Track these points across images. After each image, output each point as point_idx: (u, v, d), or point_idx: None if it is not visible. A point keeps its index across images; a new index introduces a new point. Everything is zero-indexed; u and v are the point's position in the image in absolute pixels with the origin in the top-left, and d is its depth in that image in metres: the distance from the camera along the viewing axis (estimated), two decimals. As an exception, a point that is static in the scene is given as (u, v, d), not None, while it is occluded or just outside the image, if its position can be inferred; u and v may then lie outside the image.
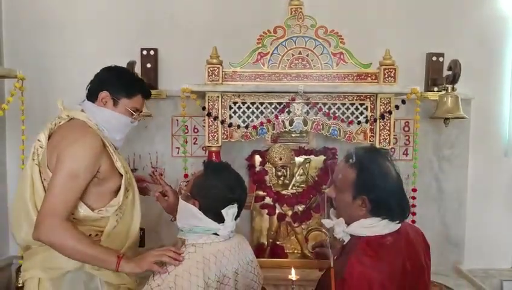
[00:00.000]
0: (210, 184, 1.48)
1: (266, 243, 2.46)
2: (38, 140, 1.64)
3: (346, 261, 1.34)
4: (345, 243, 1.47)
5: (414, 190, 2.22)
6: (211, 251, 1.44)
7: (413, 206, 2.22)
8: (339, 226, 1.45)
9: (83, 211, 1.61)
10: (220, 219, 1.46)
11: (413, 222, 2.23)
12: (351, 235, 1.44)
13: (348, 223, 1.44)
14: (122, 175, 1.69)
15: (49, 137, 1.64)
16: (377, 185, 1.38)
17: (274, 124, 2.07)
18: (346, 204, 1.44)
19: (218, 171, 1.53)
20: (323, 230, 2.46)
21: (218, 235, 1.47)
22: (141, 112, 1.80)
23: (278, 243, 2.47)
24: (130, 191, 1.75)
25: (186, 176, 2.23)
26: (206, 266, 1.40)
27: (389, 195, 1.39)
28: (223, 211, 1.45)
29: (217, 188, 1.47)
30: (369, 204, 1.39)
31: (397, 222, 1.41)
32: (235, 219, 1.50)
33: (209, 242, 1.45)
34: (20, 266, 1.98)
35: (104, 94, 1.69)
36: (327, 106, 2.06)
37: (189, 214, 1.47)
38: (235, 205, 1.47)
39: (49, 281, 1.60)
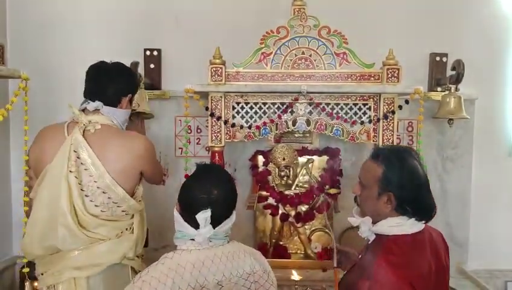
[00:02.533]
0: (187, 185, 1.44)
1: (269, 243, 2.46)
2: (75, 151, 1.62)
3: (374, 261, 1.35)
4: (369, 242, 1.47)
5: (417, 190, 2.20)
6: (189, 258, 1.34)
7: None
8: (365, 224, 1.45)
9: (133, 204, 1.72)
10: (197, 224, 1.36)
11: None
12: (376, 234, 1.44)
13: (373, 222, 1.44)
14: None
15: (90, 145, 1.66)
16: (402, 182, 1.38)
17: (277, 124, 2.07)
18: (371, 201, 1.44)
19: (198, 171, 1.47)
20: (327, 230, 2.46)
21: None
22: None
23: (281, 243, 2.47)
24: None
25: (187, 176, 2.22)
26: (179, 274, 1.30)
27: (415, 193, 1.39)
28: (197, 216, 1.35)
29: (191, 189, 1.40)
30: (394, 201, 1.39)
31: (423, 221, 1.42)
32: (217, 225, 1.37)
33: (190, 249, 1.37)
34: (22, 267, 1.98)
35: (128, 97, 1.80)
36: (330, 106, 2.06)
37: (175, 219, 1.43)
38: (208, 211, 1.35)
39: (84, 279, 1.64)
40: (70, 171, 1.61)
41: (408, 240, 1.38)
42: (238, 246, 1.45)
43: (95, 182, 1.63)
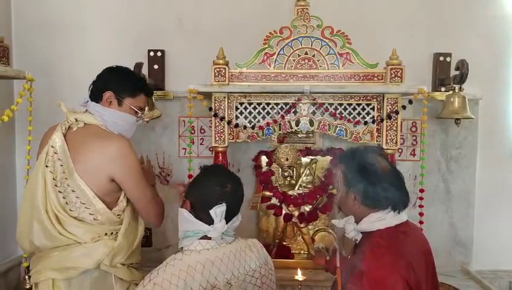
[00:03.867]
0: (199, 182, 1.48)
1: (273, 243, 2.46)
2: (52, 146, 1.65)
3: (362, 257, 1.37)
4: (357, 242, 1.51)
5: (422, 191, 2.20)
6: (199, 259, 1.36)
7: (421, 207, 2.21)
8: (349, 224, 1.49)
9: (105, 212, 1.66)
10: (210, 220, 1.39)
11: (421, 223, 2.22)
12: (362, 232, 1.48)
13: (356, 222, 1.48)
14: None
15: (66, 142, 1.67)
16: (359, 176, 1.44)
17: (280, 124, 2.07)
18: (343, 202, 1.51)
19: (208, 169, 1.52)
20: (330, 231, 2.46)
21: (209, 240, 1.40)
22: (144, 110, 1.85)
23: (284, 243, 2.47)
24: None
25: (190, 176, 2.23)
26: (190, 275, 1.31)
27: (376, 185, 1.43)
28: (211, 211, 1.38)
29: (205, 184, 1.45)
30: (359, 197, 1.44)
31: (400, 211, 1.46)
32: (228, 221, 1.41)
33: (199, 249, 1.38)
34: (27, 267, 2.00)
35: (108, 94, 1.73)
36: (333, 106, 2.06)
37: (182, 218, 1.45)
38: (223, 205, 1.39)
39: (63, 281, 1.63)
40: (46, 166, 1.64)
41: (392, 232, 1.42)
42: (243, 242, 1.49)
43: (66, 179, 1.63)
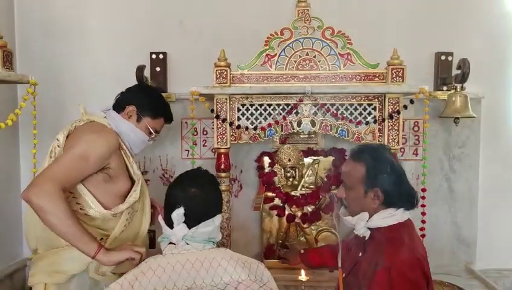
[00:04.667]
0: (168, 186, 1.46)
1: (276, 244, 2.46)
2: (57, 139, 1.69)
3: (382, 251, 1.41)
4: (366, 239, 1.52)
5: (424, 190, 2.20)
6: (161, 262, 1.33)
7: (423, 206, 2.21)
8: (361, 220, 1.49)
9: (95, 207, 1.62)
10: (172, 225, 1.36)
11: (424, 222, 2.22)
12: (370, 229, 1.49)
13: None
14: (131, 178, 1.75)
15: (68, 137, 1.68)
16: (386, 176, 1.45)
17: (282, 125, 2.08)
18: (358, 200, 1.50)
19: (181, 174, 1.48)
20: (333, 231, 2.46)
21: (174, 244, 1.36)
22: (158, 133, 1.88)
23: (287, 244, 2.47)
24: (141, 197, 1.78)
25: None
26: (146, 277, 1.30)
27: (398, 185, 1.47)
28: (172, 215, 1.35)
29: (170, 188, 1.43)
30: (381, 195, 1.46)
31: (409, 210, 1.49)
32: (193, 226, 1.34)
33: (165, 253, 1.36)
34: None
35: (131, 108, 1.78)
36: (335, 107, 2.06)
37: (161, 224, 1.45)
38: (181, 208, 1.33)
39: (54, 286, 1.62)
40: (50, 156, 1.66)
41: (402, 227, 1.46)
42: (224, 253, 1.37)
43: None
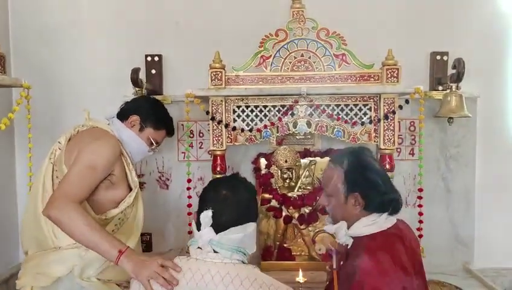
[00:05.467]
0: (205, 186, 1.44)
1: (273, 245, 2.46)
2: (59, 142, 1.71)
3: (358, 265, 1.33)
4: (348, 247, 1.46)
5: (420, 190, 2.20)
6: (181, 264, 1.31)
7: (420, 206, 2.21)
8: (341, 229, 1.44)
9: (87, 211, 1.61)
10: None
11: (421, 222, 2.22)
12: (353, 237, 1.44)
13: (347, 227, 1.43)
14: (129, 186, 1.75)
15: (69, 141, 1.71)
16: (365, 179, 1.40)
17: (278, 126, 2.08)
18: (339, 207, 1.44)
19: (222, 176, 1.50)
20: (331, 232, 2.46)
21: (201, 249, 1.31)
22: (159, 145, 1.91)
23: (285, 245, 2.46)
24: (134, 204, 1.78)
25: (189, 181, 2.24)
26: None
27: (379, 188, 1.40)
28: (200, 216, 1.30)
29: (205, 188, 1.40)
30: (362, 200, 1.40)
31: (394, 214, 1.43)
32: (220, 231, 1.28)
33: (189, 258, 1.32)
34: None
35: (135, 117, 1.83)
36: (331, 108, 2.06)
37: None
38: (210, 210, 1.28)
39: (40, 289, 1.61)
40: (49, 158, 1.69)
41: (384, 235, 1.39)
42: (249, 272, 1.27)
43: (56, 171, 1.67)
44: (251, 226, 1.33)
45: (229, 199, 1.31)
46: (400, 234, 1.42)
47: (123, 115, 1.84)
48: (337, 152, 1.57)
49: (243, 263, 1.32)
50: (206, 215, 1.28)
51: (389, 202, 1.41)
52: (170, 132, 1.95)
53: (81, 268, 1.60)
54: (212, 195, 1.33)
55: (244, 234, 1.30)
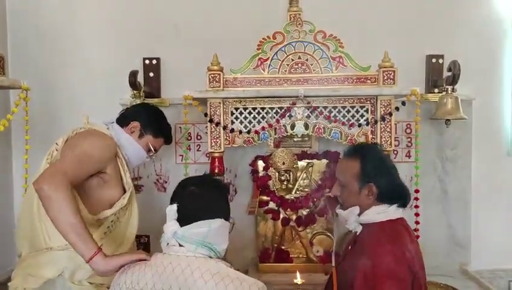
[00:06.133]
0: None
1: (271, 247, 2.46)
2: (56, 143, 1.72)
3: (369, 244, 1.43)
4: (357, 234, 1.54)
5: (417, 191, 2.21)
6: (153, 259, 1.33)
7: (417, 207, 2.22)
8: (353, 214, 1.52)
9: (81, 210, 1.58)
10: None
11: (417, 223, 2.23)
12: (362, 225, 1.52)
13: (358, 214, 1.52)
14: (124, 188, 1.75)
15: (66, 141, 1.70)
16: (380, 171, 1.50)
17: (276, 128, 2.09)
18: (353, 196, 1.52)
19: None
20: (328, 233, 2.46)
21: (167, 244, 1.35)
22: (157, 152, 1.93)
23: (283, 247, 2.47)
24: (128, 207, 1.77)
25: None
26: (124, 272, 1.34)
27: (392, 181, 1.51)
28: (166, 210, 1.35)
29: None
30: (376, 191, 1.48)
31: (403, 207, 1.52)
32: (182, 225, 1.30)
33: (157, 253, 1.35)
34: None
35: (135, 124, 1.85)
36: (328, 109, 2.07)
37: None
38: (174, 205, 1.33)
39: None
40: (47, 159, 1.69)
41: (393, 225, 1.48)
42: (211, 266, 1.27)
43: None
44: (217, 222, 1.33)
45: (194, 194, 1.34)
46: (406, 225, 1.52)
47: (123, 120, 1.86)
48: (353, 146, 1.68)
49: (210, 257, 1.32)
50: (171, 209, 1.33)
51: (399, 194, 1.51)
52: (168, 140, 1.98)
53: (72, 271, 1.59)
54: (180, 191, 1.37)
55: (208, 229, 1.31)
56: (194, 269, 1.25)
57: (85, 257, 1.41)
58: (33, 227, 1.62)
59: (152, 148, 1.89)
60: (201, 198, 1.35)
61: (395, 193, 1.50)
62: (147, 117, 1.88)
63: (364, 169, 1.50)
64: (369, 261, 1.38)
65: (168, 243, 1.35)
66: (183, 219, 1.32)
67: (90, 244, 1.42)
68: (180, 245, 1.32)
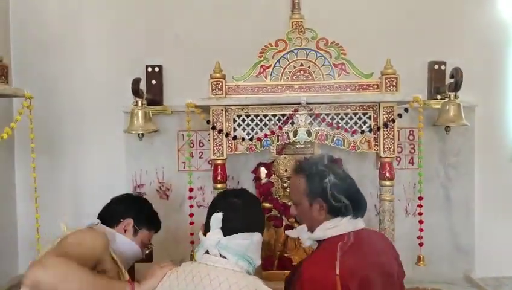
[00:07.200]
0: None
1: (274, 255, 2.45)
2: None
3: (302, 265, 1.40)
4: (314, 249, 1.52)
5: (420, 198, 2.20)
6: (181, 268, 1.33)
7: (420, 214, 2.21)
8: (303, 233, 1.51)
9: None
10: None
11: (421, 230, 2.22)
12: (318, 241, 1.49)
13: (310, 231, 1.50)
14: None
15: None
16: (326, 185, 1.45)
17: (278, 135, 2.09)
18: (306, 214, 1.50)
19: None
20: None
21: (208, 254, 1.33)
22: (148, 245, 1.85)
23: (285, 255, 2.45)
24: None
25: (191, 190, 2.24)
26: (163, 281, 1.33)
27: (341, 192, 1.45)
28: (211, 219, 1.33)
29: (215, 196, 1.49)
30: (325, 205, 1.45)
31: (359, 218, 1.48)
32: (228, 235, 1.30)
33: (195, 261, 1.35)
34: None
35: (129, 221, 1.70)
36: (330, 116, 2.07)
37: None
38: (220, 213, 1.32)
39: None
40: None
41: (344, 239, 1.41)
42: (250, 282, 1.26)
43: None
44: (257, 236, 1.37)
45: (239, 206, 1.36)
46: (361, 241, 1.43)
47: (113, 219, 1.70)
48: (300, 162, 1.64)
49: (248, 273, 1.33)
50: (217, 217, 1.31)
51: (350, 204, 1.45)
52: (158, 229, 1.86)
53: None
54: (223, 201, 1.38)
55: (250, 241, 1.33)
56: (232, 284, 1.23)
57: None
58: None
59: (147, 242, 1.79)
60: (245, 210, 1.37)
61: (346, 204, 1.45)
62: (139, 210, 1.75)
63: (310, 185, 1.47)
64: (300, 279, 1.34)
65: (206, 252, 1.33)
66: (228, 228, 1.32)
67: (117, 285, 1.38)
68: (221, 255, 1.31)
